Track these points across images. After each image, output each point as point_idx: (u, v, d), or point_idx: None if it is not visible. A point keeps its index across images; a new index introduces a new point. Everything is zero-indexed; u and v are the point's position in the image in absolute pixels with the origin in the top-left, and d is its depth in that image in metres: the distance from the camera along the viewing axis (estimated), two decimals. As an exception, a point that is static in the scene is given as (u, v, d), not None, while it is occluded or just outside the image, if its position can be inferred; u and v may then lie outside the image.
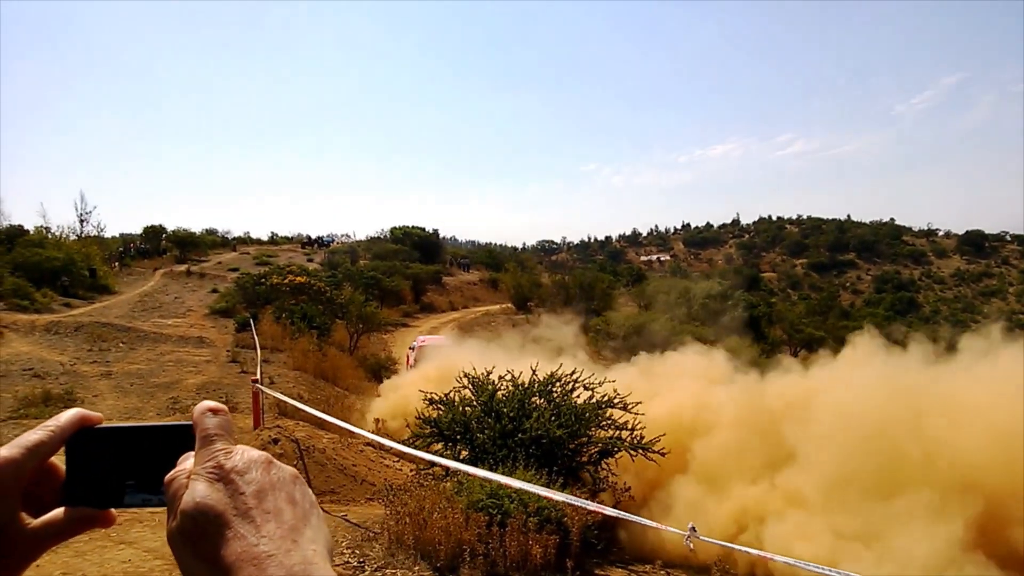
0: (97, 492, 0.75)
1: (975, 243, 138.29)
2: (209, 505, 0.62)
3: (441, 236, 65.31)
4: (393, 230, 59.17)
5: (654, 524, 6.07)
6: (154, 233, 51.48)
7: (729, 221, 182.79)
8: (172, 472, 0.70)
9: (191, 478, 0.66)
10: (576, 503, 6.43)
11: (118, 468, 0.76)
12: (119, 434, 0.77)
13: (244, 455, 0.68)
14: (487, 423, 9.28)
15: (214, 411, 0.72)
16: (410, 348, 21.29)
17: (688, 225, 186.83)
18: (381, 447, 10.77)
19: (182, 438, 0.74)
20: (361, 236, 68.36)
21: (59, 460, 0.75)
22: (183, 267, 40.21)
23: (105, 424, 0.78)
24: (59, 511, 0.75)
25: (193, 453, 0.70)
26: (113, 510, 0.76)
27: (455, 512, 6.75)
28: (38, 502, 0.74)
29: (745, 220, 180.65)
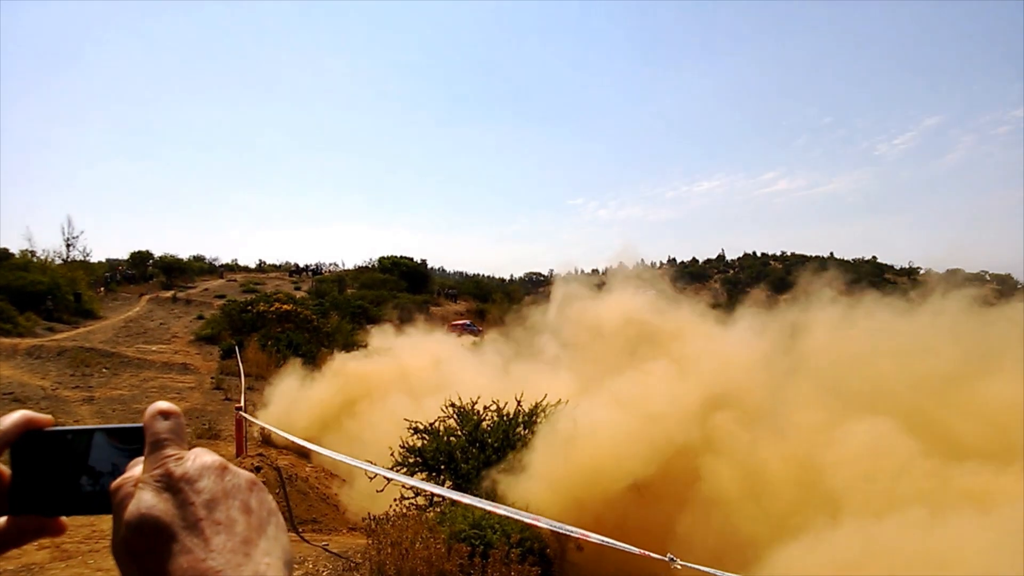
0: (45, 499, 0.71)
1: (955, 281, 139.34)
2: (155, 516, 0.59)
3: (429, 267, 65.46)
4: (381, 260, 59.22)
5: (637, 550, 6.09)
6: (141, 259, 51.30)
7: (715, 256, 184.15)
8: (119, 479, 0.66)
9: (138, 486, 0.63)
10: (561, 529, 6.45)
11: (68, 473, 0.71)
12: (68, 437, 0.73)
13: (196, 461, 0.64)
14: (471, 453, 9.29)
15: (165, 414, 0.69)
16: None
17: (674, 260, 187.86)
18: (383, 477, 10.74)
19: (134, 442, 0.70)
20: (350, 265, 68.25)
21: (6, 465, 0.72)
22: (169, 293, 39.97)
23: (54, 427, 0.73)
24: (2, 520, 0.71)
25: (143, 458, 0.66)
26: (64, 518, 0.73)
27: (437, 542, 6.72)
28: None
29: (730, 255, 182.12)
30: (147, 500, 0.60)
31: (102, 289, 39.33)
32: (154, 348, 23.32)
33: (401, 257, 58.88)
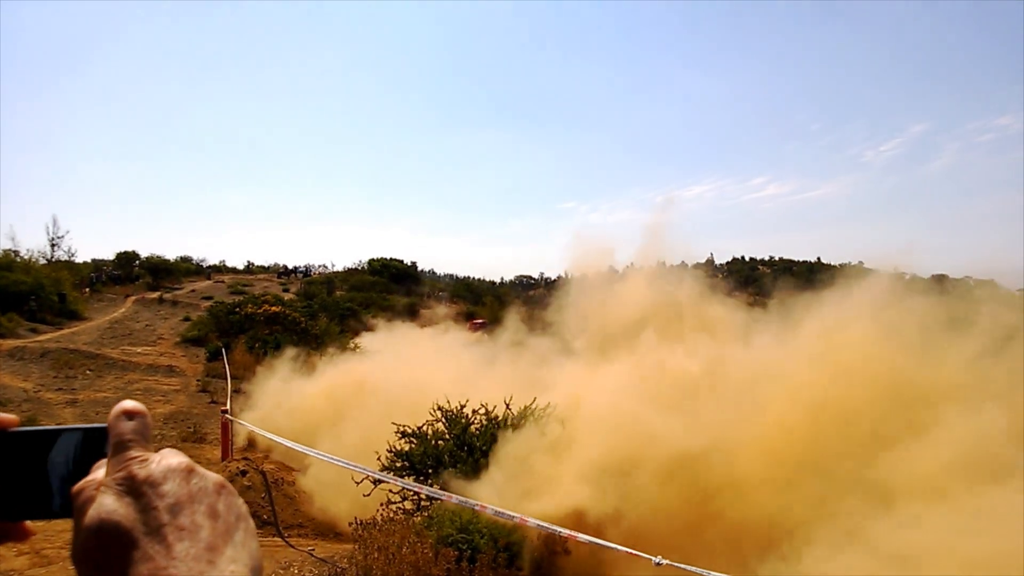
0: (9, 503, 0.68)
1: (941, 287, 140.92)
2: (114, 522, 0.57)
3: (420, 269, 65.34)
4: (371, 262, 59.10)
5: (625, 549, 6.05)
6: (127, 259, 50.87)
7: (703, 260, 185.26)
8: (81, 482, 0.63)
9: (100, 490, 0.60)
10: (549, 529, 6.42)
11: (33, 476, 0.68)
12: (32, 439, 0.69)
13: (160, 463, 0.61)
14: (460, 457, 9.23)
15: (130, 413, 0.66)
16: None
17: (663, 263, 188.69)
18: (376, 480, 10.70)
19: (100, 443, 0.67)
20: (339, 267, 68.03)
21: None
22: (155, 294, 39.70)
23: (17, 428, 0.70)
24: None
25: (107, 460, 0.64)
26: (28, 523, 0.70)
27: (424, 547, 6.68)
28: None
29: (719, 260, 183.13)
30: (108, 504, 0.58)
31: (87, 290, 38.98)
32: (139, 350, 23.11)
33: (391, 259, 58.78)
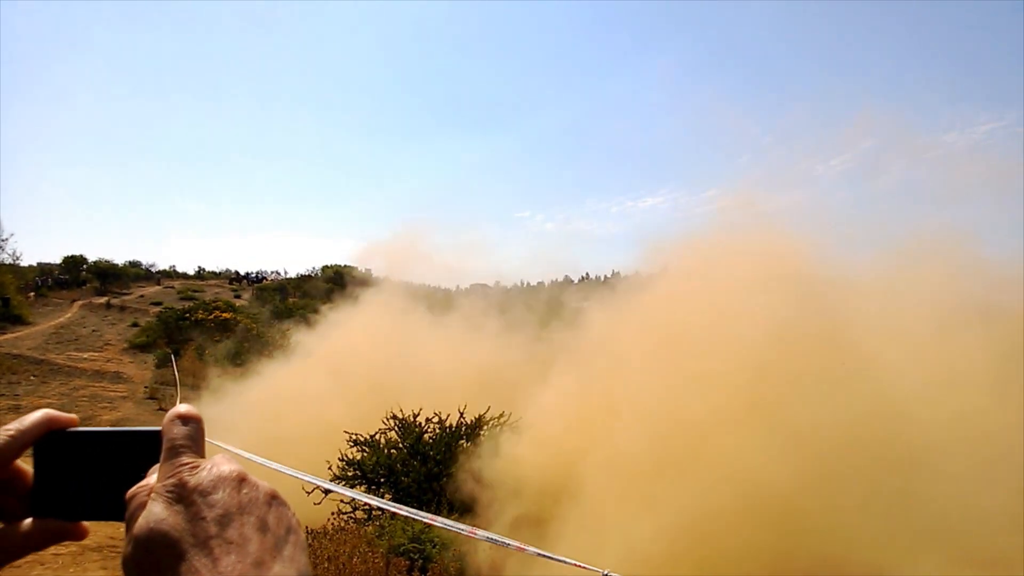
0: (67, 502, 0.69)
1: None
2: (163, 532, 0.56)
3: (374, 276, 64.73)
4: (325, 268, 58.41)
5: (573, 562, 6.18)
6: (74, 263, 49.42)
7: (657, 272, 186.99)
8: (135, 487, 0.63)
9: (151, 496, 0.59)
10: (499, 541, 6.50)
11: (90, 477, 0.69)
12: (92, 439, 0.70)
13: (212, 471, 0.61)
14: (412, 466, 9.26)
15: (184, 418, 0.66)
16: None
17: (617, 273, 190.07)
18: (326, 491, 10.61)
19: (155, 446, 0.67)
20: (292, 274, 67.09)
21: (30, 464, 0.70)
22: (103, 299, 38.69)
23: (76, 428, 0.71)
24: (27, 521, 0.69)
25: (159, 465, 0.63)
26: (85, 523, 0.70)
27: (376, 557, 6.70)
28: (2, 511, 0.70)
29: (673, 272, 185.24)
30: (157, 513, 0.57)
31: (32, 294, 37.80)
32: (86, 356, 22.53)
33: (345, 266, 58.19)
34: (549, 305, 21.46)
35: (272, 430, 12.24)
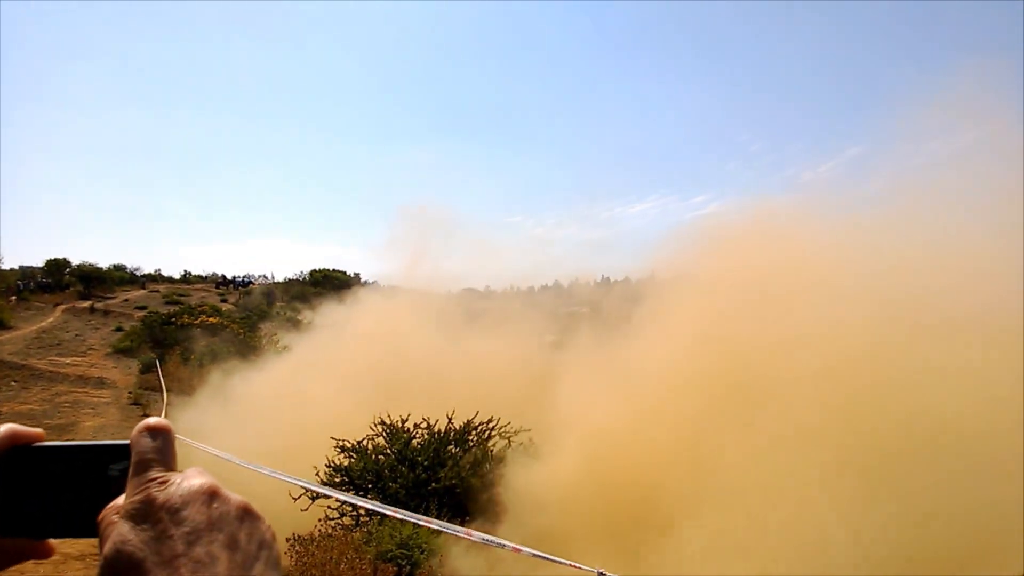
0: (32, 519, 0.66)
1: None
2: (127, 552, 0.54)
3: (363, 281, 64.65)
4: (312, 273, 58.22)
5: (567, 563, 6.14)
6: (57, 266, 48.89)
7: (646, 277, 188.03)
8: (107, 507, 0.62)
9: (119, 515, 0.57)
10: (494, 543, 6.46)
11: (56, 493, 0.67)
12: (57, 454, 0.68)
13: (182, 486, 0.59)
14: (401, 472, 9.18)
15: (152, 430, 0.63)
16: None
17: (607, 279, 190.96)
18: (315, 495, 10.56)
19: (124, 460, 0.64)
20: (280, 278, 66.78)
21: None
22: (87, 303, 38.31)
23: (42, 443, 0.69)
24: None
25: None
26: (52, 541, 0.68)
27: (363, 563, 6.64)
28: None
29: (662, 277, 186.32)
30: (123, 533, 0.55)
31: (14, 298, 37.36)
32: (68, 361, 22.27)
33: (333, 270, 58.02)
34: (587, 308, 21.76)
35: (268, 434, 12.17)
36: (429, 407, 10.02)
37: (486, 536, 6.55)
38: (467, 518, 8.62)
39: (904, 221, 11.22)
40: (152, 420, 0.65)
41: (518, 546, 6.56)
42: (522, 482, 8.94)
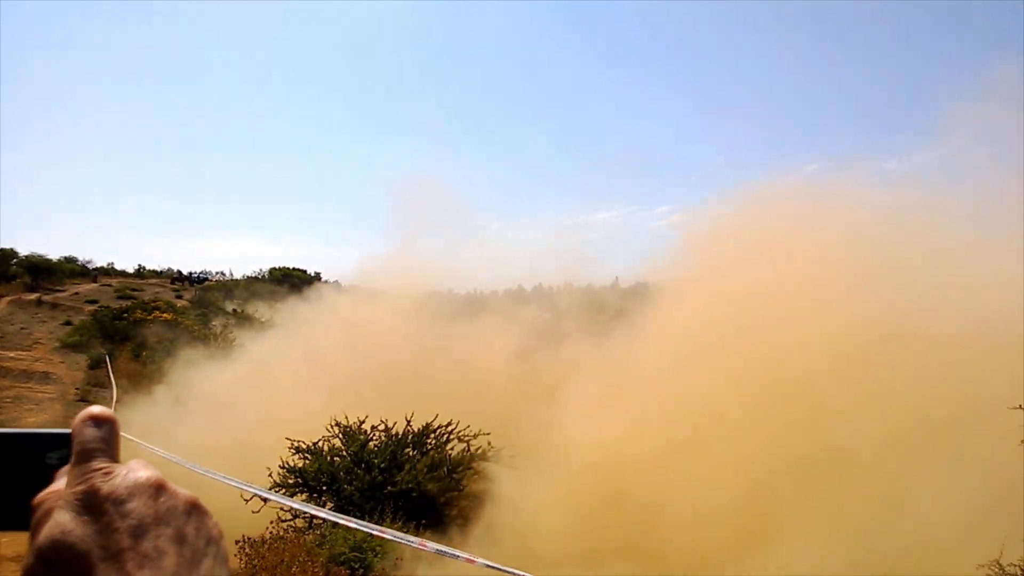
0: None
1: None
2: (70, 543, 0.51)
3: (324, 280, 63.92)
4: (272, 271, 57.34)
5: (521, 574, 6.07)
6: (3, 257, 47.27)
7: (609, 284, 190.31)
8: (41, 494, 0.57)
9: (58, 504, 0.54)
10: (448, 553, 6.37)
11: None
12: None
13: (128, 477, 0.55)
14: (356, 474, 9.03)
15: (96, 419, 0.59)
16: None
17: (571, 285, 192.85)
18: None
19: (64, 449, 0.62)
20: (238, 275, 65.60)
21: None
22: (34, 296, 37.06)
23: None
24: None
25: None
26: None
27: (315, 566, 6.53)
28: None
29: (624, 284, 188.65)
30: (64, 522, 0.51)
31: (-45, 289, 36.04)
32: (12, 355, 21.51)
33: (294, 268, 57.24)
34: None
35: (221, 431, 11.94)
36: (390, 409, 9.88)
37: (440, 546, 6.45)
38: (423, 522, 8.50)
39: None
40: (96, 409, 0.61)
41: (472, 557, 6.48)
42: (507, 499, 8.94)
